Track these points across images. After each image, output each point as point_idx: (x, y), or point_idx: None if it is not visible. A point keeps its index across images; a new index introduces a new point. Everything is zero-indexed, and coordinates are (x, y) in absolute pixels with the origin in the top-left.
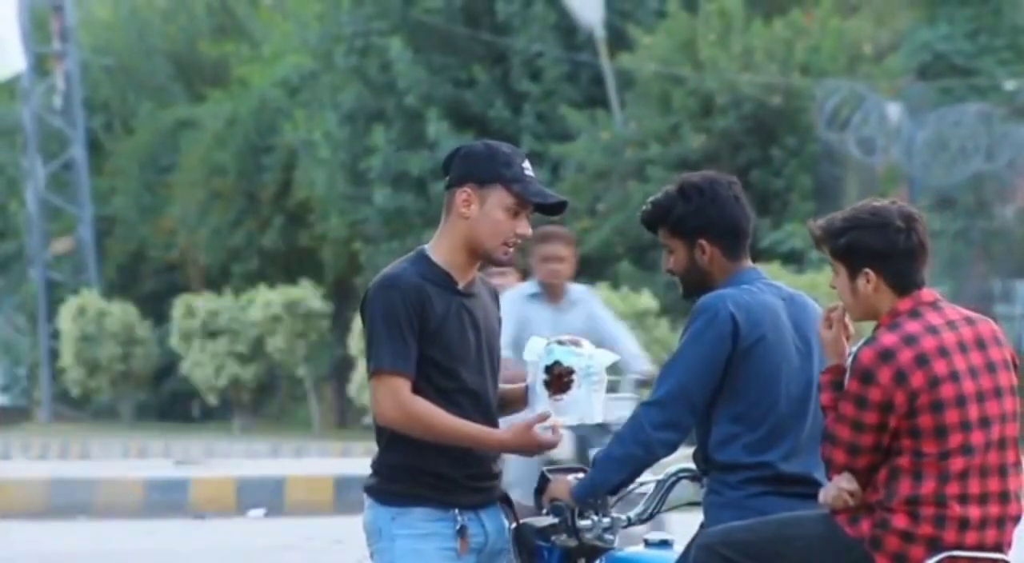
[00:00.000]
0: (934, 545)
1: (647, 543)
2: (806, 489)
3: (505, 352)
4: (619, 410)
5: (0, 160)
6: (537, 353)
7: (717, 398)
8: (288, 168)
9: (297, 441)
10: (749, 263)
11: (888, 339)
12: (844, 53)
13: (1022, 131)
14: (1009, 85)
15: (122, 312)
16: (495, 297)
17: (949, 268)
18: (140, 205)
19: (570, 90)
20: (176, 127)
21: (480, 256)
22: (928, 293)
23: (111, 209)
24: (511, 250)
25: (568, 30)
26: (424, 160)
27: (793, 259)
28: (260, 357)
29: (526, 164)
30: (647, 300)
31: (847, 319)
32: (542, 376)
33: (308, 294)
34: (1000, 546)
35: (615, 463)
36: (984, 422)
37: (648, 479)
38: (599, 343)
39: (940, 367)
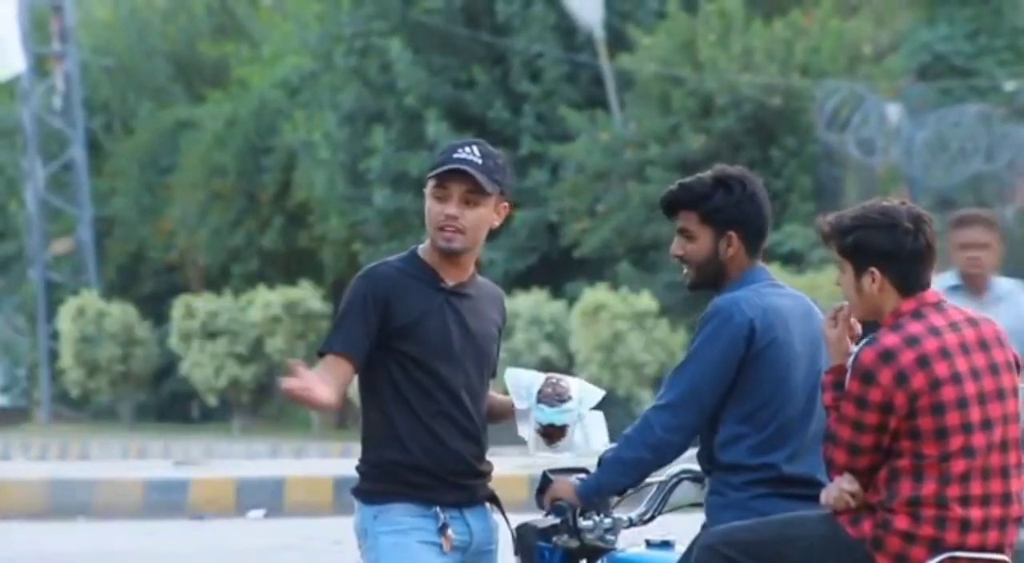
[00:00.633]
0: (936, 546)
1: (648, 544)
2: (809, 490)
3: None
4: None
5: (0, 161)
6: (520, 386)
7: (726, 398)
8: (288, 169)
9: (297, 442)
10: (761, 262)
11: (890, 340)
12: (844, 54)
13: (1022, 132)
14: (1009, 86)
15: (122, 313)
16: (498, 302)
17: (949, 268)
18: (140, 206)
19: (570, 91)
20: (176, 128)
21: (437, 249)
22: (932, 294)
23: (111, 210)
24: (450, 234)
25: (568, 31)
26: (424, 161)
27: (793, 260)
28: (260, 358)
29: (465, 151)
30: (647, 300)
31: (852, 319)
32: (537, 426)
33: (308, 295)
34: (1002, 547)
35: (623, 466)
36: (986, 424)
37: (650, 480)
38: None
39: (941, 369)
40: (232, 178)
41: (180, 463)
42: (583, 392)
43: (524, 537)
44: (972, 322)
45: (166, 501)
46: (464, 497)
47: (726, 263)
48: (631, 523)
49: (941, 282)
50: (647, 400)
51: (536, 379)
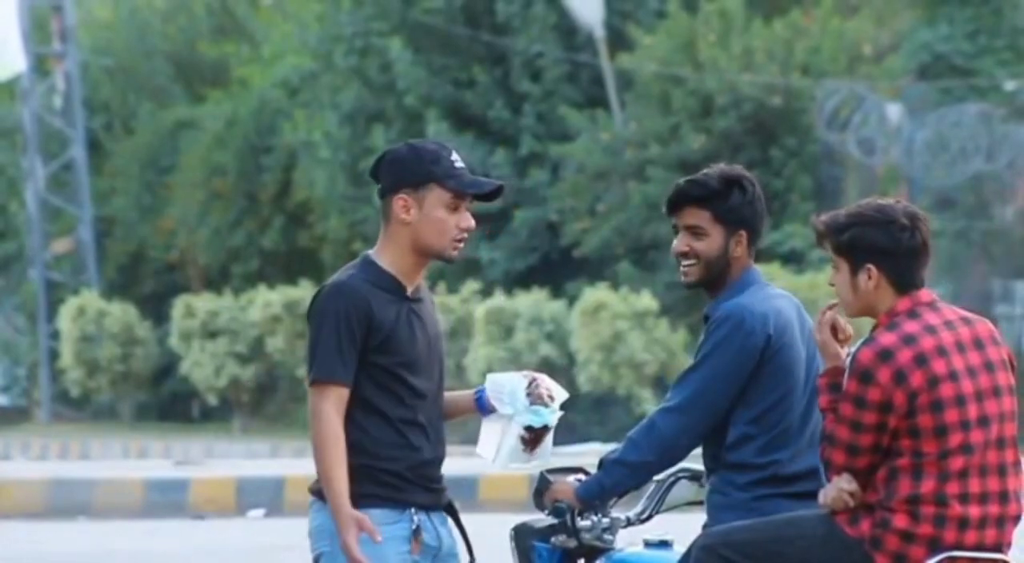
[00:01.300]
0: (934, 545)
1: (647, 543)
2: (811, 485)
3: None
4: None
5: (0, 160)
6: (503, 392)
7: (736, 402)
8: (288, 168)
9: (297, 441)
10: (753, 263)
11: (887, 339)
12: (844, 54)
13: (1022, 132)
14: (1009, 85)
15: (122, 312)
16: (434, 303)
17: (949, 268)
18: (140, 205)
19: (570, 90)
20: (176, 128)
21: (431, 257)
22: (926, 293)
23: (111, 209)
24: (461, 245)
25: (568, 30)
26: None
27: (793, 259)
28: (260, 357)
29: (454, 156)
30: (647, 300)
31: (844, 322)
32: (521, 433)
33: (308, 294)
34: (1000, 546)
35: (627, 469)
36: (983, 421)
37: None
38: None
39: (939, 366)
40: (232, 178)
41: (180, 463)
42: (558, 395)
43: (521, 537)
44: (967, 321)
45: (166, 501)
46: (433, 501)
47: (731, 262)
48: (629, 522)
49: None
50: (647, 399)
51: (518, 382)
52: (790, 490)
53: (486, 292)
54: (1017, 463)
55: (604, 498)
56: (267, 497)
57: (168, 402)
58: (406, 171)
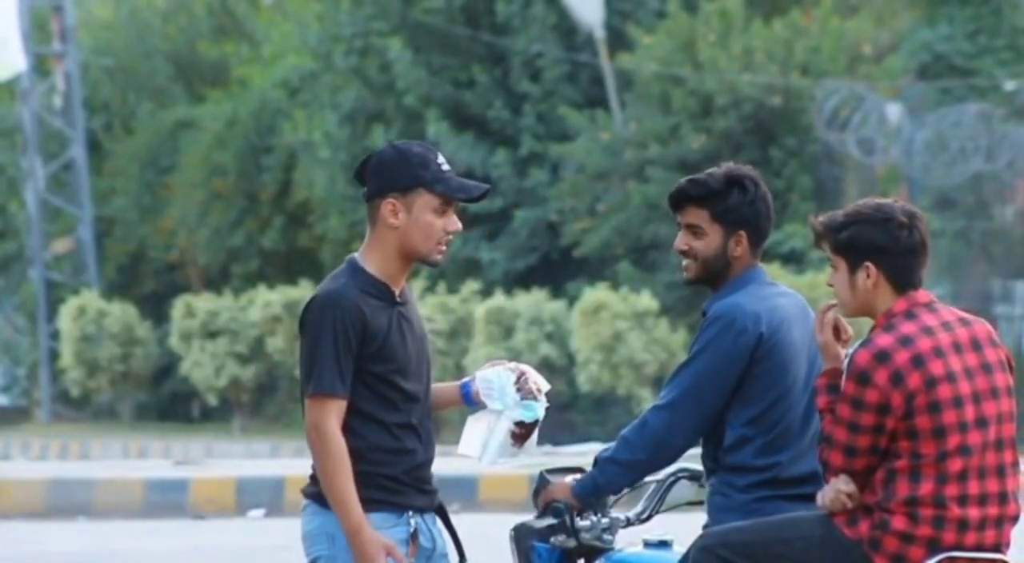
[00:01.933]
0: (933, 546)
1: (646, 543)
2: (813, 489)
3: None
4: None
5: (0, 160)
6: (492, 388)
7: (731, 402)
8: (288, 168)
9: (297, 441)
10: (759, 262)
11: (884, 340)
12: (844, 53)
13: (1022, 132)
14: (1009, 86)
15: (122, 312)
16: (415, 301)
17: (949, 269)
18: (140, 205)
19: (570, 90)
20: (176, 128)
21: (415, 261)
22: (923, 294)
23: (111, 209)
24: (444, 249)
25: (568, 30)
26: None
27: (793, 259)
28: (260, 357)
29: (441, 159)
30: (647, 300)
31: (844, 323)
32: (511, 428)
33: (308, 295)
34: (999, 546)
35: (620, 468)
36: (981, 422)
37: (647, 479)
38: None
39: (936, 368)
40: (232, 178)
41: (180, 463)
42: (542, 381)
43: (521, 537)
44: (964, 322)
45: (166, 501)
46: (427, 503)
47: (732, 262)
48: (628, 522)
49: None
50: (647, 399)
51: (507, 377)
52: (791, 492)
53: (486, 292)
54: (1015, 464)
55: (599, 496)
56: (267, 497)
57: (168, 402)
58: (394, 175)
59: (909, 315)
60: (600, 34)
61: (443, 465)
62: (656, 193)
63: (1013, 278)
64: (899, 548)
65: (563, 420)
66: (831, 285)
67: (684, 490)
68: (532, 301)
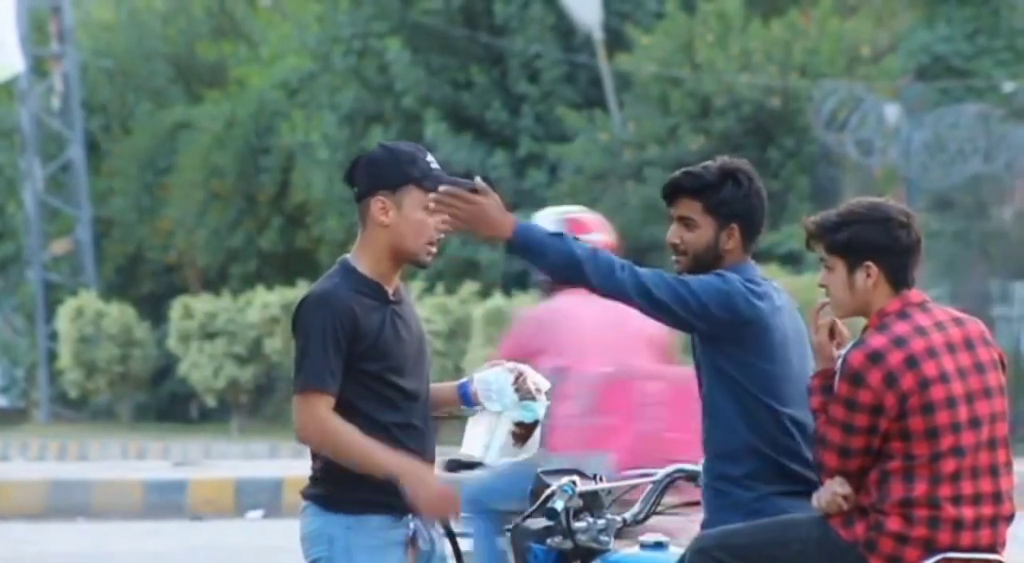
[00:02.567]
0: (929, 547)
1: (643, 545)
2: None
3: None
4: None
5: None
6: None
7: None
8: (286, 170)
9: (295, 442)
10: (752, 260)
11: (877, 341)
12: (842, 54)
13: (1020, 133)
14: (1007, 86)
15: (120, 313)
16: (412, 301)
17: (947, 270)
18: (138, 206)
19: (568, 91)
20: (174, 128)
21: (405, 260)
22: (916, 294)
23: (109, 210)
24: (434, 249)
25: (566, 31)
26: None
27: (792, 260)
28: (258, 358)
29: (430, 158)
30: None
31: (841, 325)
32: (512, 428)
33: None
34: (995, 546)
35: (571, 258)
36: (974, 423)
37: (644, 480)
38: None
39: (930, 369)
40: (231, 179)
41: (179, 464)
42: (542, 381)
43: (517, 539)
44: (957, 321)
45: (165, 502)
46: None
47: (723, 255)
48: (625, 524)
49: None
50: None
51: (505, 378)
52: (792, 489)
53: (484, 293)
54: (1009, 463)
55: (529, 250)
56: (265, 498)
57: (166, 403)
58: (383, 173)
59: (902, 315)
60: (598, 35)
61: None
62: (655, 194)
63: (1012, 279)
64: (895, 549)
65: None
66: (823, 286)
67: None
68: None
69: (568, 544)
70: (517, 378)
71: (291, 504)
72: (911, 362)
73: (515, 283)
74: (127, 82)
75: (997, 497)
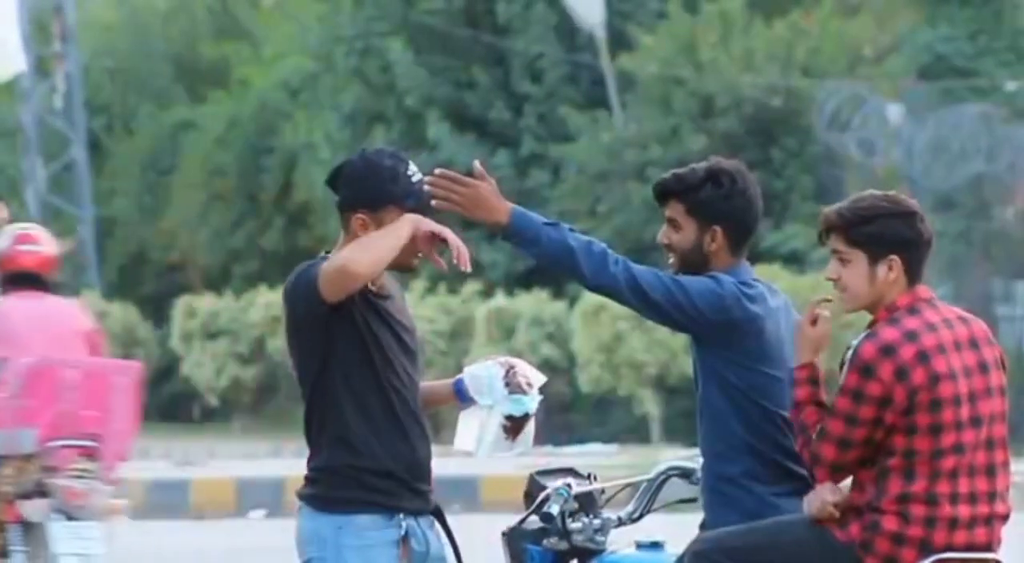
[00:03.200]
0: (925, 547)
1: (639, 545)
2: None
3: None
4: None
5: (1, 161)
6: (481, 384)
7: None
8: (288, 169)
9: (298, 442)
10: (746, 261)
11: (890, 334)
12: (845, 54)
13: (1022, 133)
14: (1009, 86)
15: (123, 313)
16: (403, 297)
17: (950, 269)
18: (141, 206)
19: (571, 91)
20: (176, 128)
21: (391, 269)
22: (924, 289)
23: (112, 210)
24: (419, 257)
25: (569, 31)
26: (424, 162)
27: (794, 260)
28: (261, 358)
29: (411, 169)
30: None
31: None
32: (502, 422)
33: None
34: (990, 545)
35: (562, 240)
36: (975, 421)
37: (640, 478)
38: None
39: (940, 365)
40: (233, 179)
41: (181, 463)
42: (535, 380)
43: (513, 540)
44: (963, 320)
45: (167, 501)
46: (420, 505)
47: (709, 257)
48: (620, 523)
49: None
50: (648, 400)
51: (495, 371)
52: (791, 488)
53: (487, 293)
54: (1006, 463)
55: (524, 237)
56: (268, 498)
57: (169, 403)
58: (363, 190)
59: (912, 310)
60: (601, 35)
61: (443, 465)
62: None
63: (1014, 279)
64: (890, 550)
65: (564, 421)
66: (833, 279)
67: (676, 488)
68: (533, 302)
69: (564, 545)
70: (507, 372)
71: (293, 504)
72: (923, 357)
73: (517, 283)
74: (129, 82)
75: (992, 496)
